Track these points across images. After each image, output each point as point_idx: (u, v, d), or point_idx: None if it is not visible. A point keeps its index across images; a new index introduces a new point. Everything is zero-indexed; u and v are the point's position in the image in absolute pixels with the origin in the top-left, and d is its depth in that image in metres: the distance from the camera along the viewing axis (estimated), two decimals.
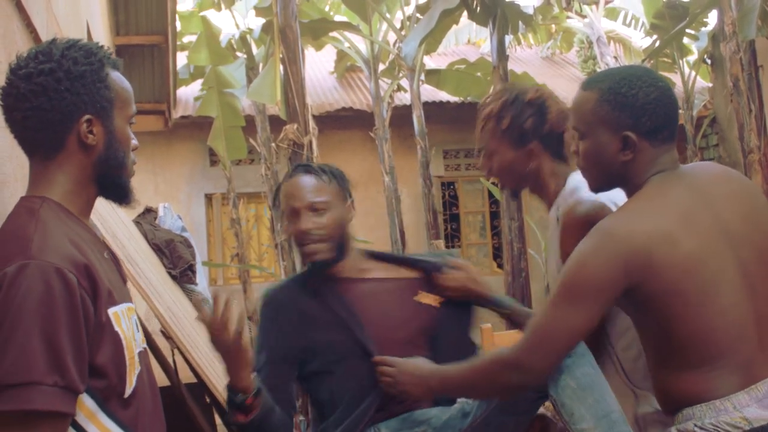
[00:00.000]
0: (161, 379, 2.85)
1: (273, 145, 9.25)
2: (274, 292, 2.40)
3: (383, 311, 2.32)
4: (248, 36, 10.04)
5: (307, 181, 2.31)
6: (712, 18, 9.29)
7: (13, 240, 1.47)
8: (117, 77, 1.66)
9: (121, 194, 1.72)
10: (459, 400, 2.22)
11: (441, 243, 8.93)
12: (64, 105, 1.56)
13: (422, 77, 10.02)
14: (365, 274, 2.37)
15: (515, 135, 2.29)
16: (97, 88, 1.59)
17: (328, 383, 2.29)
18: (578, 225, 2.08)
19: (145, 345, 1.74)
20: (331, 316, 2.28)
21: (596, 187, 1.98)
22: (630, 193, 1.90)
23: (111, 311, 1.52)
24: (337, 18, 10.80)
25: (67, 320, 1.40)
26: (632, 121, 1.81)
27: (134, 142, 1.72)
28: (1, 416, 1.35)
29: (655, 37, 10.36)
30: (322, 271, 2.33)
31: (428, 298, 2.36)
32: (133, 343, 1.59)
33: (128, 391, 1.56)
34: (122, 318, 1.57)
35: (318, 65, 13.19)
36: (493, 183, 8.36)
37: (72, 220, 1.60)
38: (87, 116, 1.58)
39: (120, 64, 1.70)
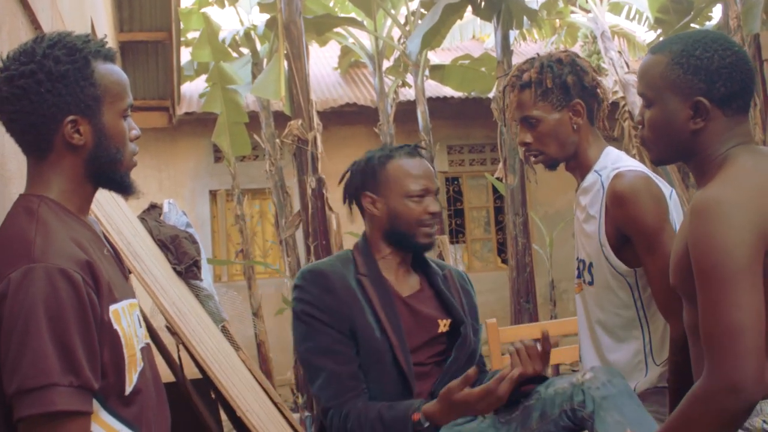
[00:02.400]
0: (166, 375, 2.86)
1: (277, 141, 9.25)
2: (325, 267, 2.32)
3: (418, 341, 2.28)
4: (252, 32, 10.04)
5: (429, 167, 2.36)
6: (717, 12, 9.27)
7: (15, 243, 1.46)
8: (106, 71, 1.61)
9: (119, 188, 1.70)
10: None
11: (445, 238, 8.93)
12: (46, 107, 1.53)
13: (426, 73, 10.01)
14: (405, 287, 2.36)
15: (559, 94, 2.29)
16: (81, 87, 1.56)
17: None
18: (630, 195, 2.12)
19: (148, 341, 1.74)
20: (381, 321, 2.23)
21: (660, 159, 1.85)
22: (699, 168, 1.75)
23: (111, 309, 1.53)
24: (342, 14, 10.79)
25: (76, 320, 1.41)
26: (705, 86, 1.67)
27: (135, 132, 1.68)
28: (26, 420, 1.37)
29: (659, 31, 10.33)
30: (419, 254, 2.38)
31: (444, 325, 2.33)
32: (134, 341, 1.59)
33: (128, 389, 1.56)
34: (122, 315, 1.57)
35: (321, 61, 13.18)
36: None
37: (71, 218, 1.59)
38: (71, 117, 1.55)
39: (112, 54, 1.65)
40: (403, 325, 2.25)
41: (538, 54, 2.42)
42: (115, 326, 1.53)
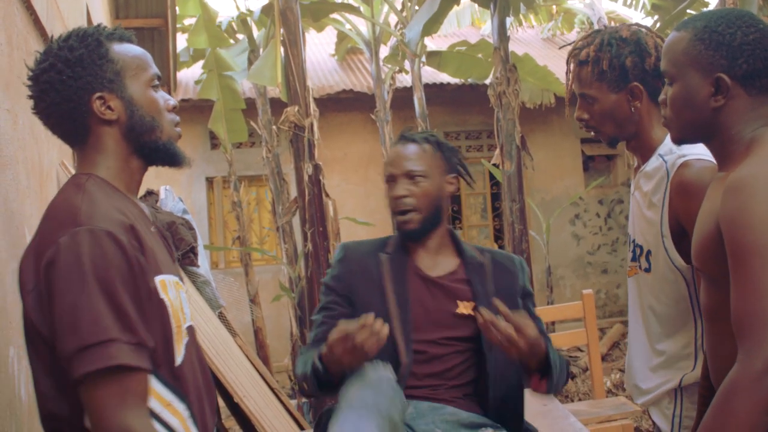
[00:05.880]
0: None
1: (274, 127, 9.25)
2: (352, 244, 2.45)
3: (432, 318, 2.27)
4: (249, 18, 10.00)
5: (409, 148, 2.34)
6: None
7: (62, 212, 1.52)
8: (122, 48, 1.69)
9: (166, 158, 1.74)
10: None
11: None
12: (72, 92, 1.61)
13: (423, 59, 9.99)
14: (435, 268, 2.33)
15: (615, 76, 2.20)
16: (98, 65, 1.63)
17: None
18: (697, 188, 1.96)
19: (193, 321, 1.75)
20: (386, 292, 2.28)
21: (680, 138, 1.81)
22: (722, 149, 1.72)
23: (158, 279, 1.56)
24: None
25: (124, 281, 1.45)
26: (727, 63, 1.64)
27: (171, 102, 1.75)
28: (87, 377, 1.39)
29: (656, 17, 10.31)
30: (409, 241, 2.35)
31: (465, 307, 2.28)
32: (180, 314, 1.62)
33: (178, 359, 1.58)
34: (169, 287, 1.59)
35: (318, 47, 13.15)
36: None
37: (117, 194, 1.64)
38: (97, 94, 1.62)
39: (128, 35, 1.73)
40: (418, 302, 2.27)
41: (605, 26, 2.32)
42: (162, 295, 1.56)
